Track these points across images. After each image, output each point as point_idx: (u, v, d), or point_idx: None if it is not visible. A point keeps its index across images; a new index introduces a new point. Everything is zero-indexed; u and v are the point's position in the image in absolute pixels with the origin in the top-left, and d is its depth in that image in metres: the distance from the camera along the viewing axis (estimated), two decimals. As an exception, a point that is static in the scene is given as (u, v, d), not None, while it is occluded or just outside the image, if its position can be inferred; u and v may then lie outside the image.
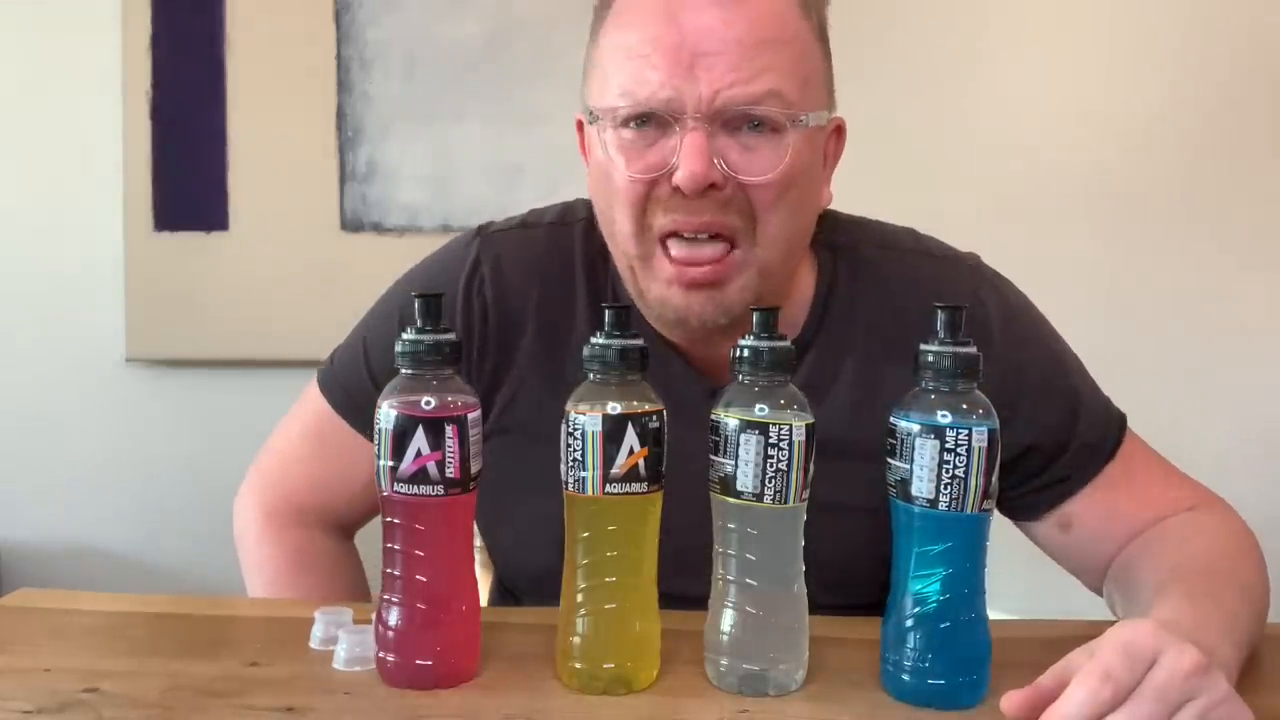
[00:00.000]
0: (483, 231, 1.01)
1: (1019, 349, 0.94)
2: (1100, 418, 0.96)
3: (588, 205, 0.99)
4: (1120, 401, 0.98)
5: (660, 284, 0.89)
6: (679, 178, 0.84)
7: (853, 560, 0.87)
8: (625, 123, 0.86)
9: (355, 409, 0.97)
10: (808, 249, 0.96)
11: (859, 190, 1.03)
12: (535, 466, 0.84)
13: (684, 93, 0.83)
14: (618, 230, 0.90)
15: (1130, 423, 0.98)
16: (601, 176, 0.90)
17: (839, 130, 0.94)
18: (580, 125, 0.95)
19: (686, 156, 0.83)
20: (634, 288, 0.92)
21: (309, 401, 1.02)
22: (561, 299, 0.97)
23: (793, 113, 0.85)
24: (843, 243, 0.98)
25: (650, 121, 0.85)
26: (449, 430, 0.73)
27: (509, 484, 0.92)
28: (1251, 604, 0.83)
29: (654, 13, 0.85)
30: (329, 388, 1.01)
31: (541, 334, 0.96)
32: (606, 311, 0.75)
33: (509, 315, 0.97)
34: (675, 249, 0.87)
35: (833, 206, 0.98)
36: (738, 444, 0.72)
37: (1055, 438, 0.93)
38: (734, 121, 0.84)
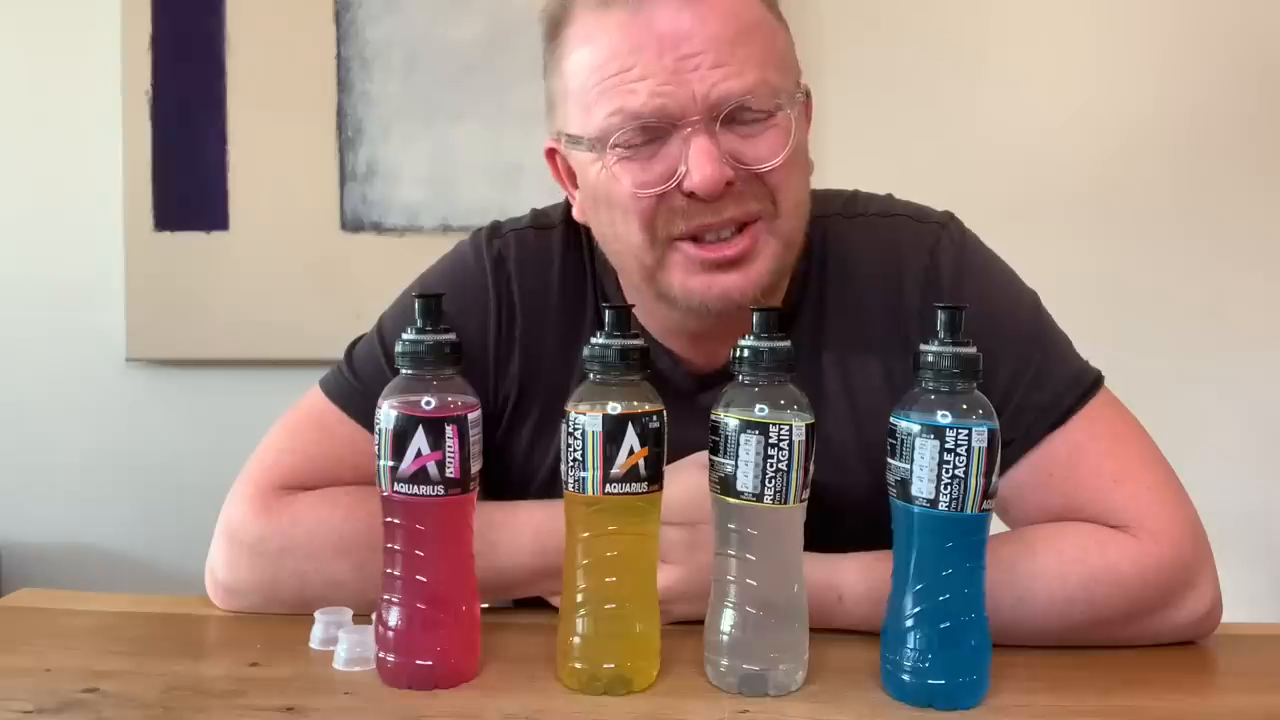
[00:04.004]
0: (498, 230, 1.02)
1: (965, 298, 0.89)
2: (1058, 378, 0.90)
3: None
4: (1120, 398, 0.96)
5: (682, 274, 0.88)
6: (693, 184, 0.83)
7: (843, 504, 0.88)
8: (622, 141, 0.85)
9: (365, 407, 0.95)
10: None
11: (861, 188, 1.04)
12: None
13: (676, 96, 0.83)
14: (626, 245, 0.90)
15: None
16: (599, 199, 0.90)
17: (807, 96, 0.94)
18: (552, 154, 0.95)
19: (697, 162, 0.83)
20: (648, 290, 0.92)
21: (305, 405, 0.99)
22: (577, 296, 0.99)
23: (783, 94, 0.86)
24: (816, 214, 0.98)
25: (646, 132, 0.85)
26: (449, 430, 0.73)
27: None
28: (1016, 616, 0.82)
29: (621, 24, 0.84)
30: (334, 385, 0.98)
31: (563, 329, 0.98)
32: (606, 312, 0.75)
33: (536, 311, 0.98)
34: (696, 248, 0.87)
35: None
36: (738, 444, 0.72)
37: (999, 392, 0.86)
38: (730, 115, 0.84)
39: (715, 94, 0.83)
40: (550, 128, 0.94)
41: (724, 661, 0.76)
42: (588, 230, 1.00)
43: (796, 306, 0.96)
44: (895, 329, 0.94)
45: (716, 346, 0.95)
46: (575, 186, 0.95)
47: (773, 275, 0.89)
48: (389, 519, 0.76)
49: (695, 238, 0.87)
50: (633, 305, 0.77)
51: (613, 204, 0.88)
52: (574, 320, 0.98)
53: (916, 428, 0.71)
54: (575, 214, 0.97)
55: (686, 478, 0.82)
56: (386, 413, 0.74)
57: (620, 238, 0.90)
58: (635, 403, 0.73)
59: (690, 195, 0.85)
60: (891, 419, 0.73)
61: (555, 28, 0.90)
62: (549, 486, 0.96)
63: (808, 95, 0.94)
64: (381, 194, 2.14)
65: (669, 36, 0.83)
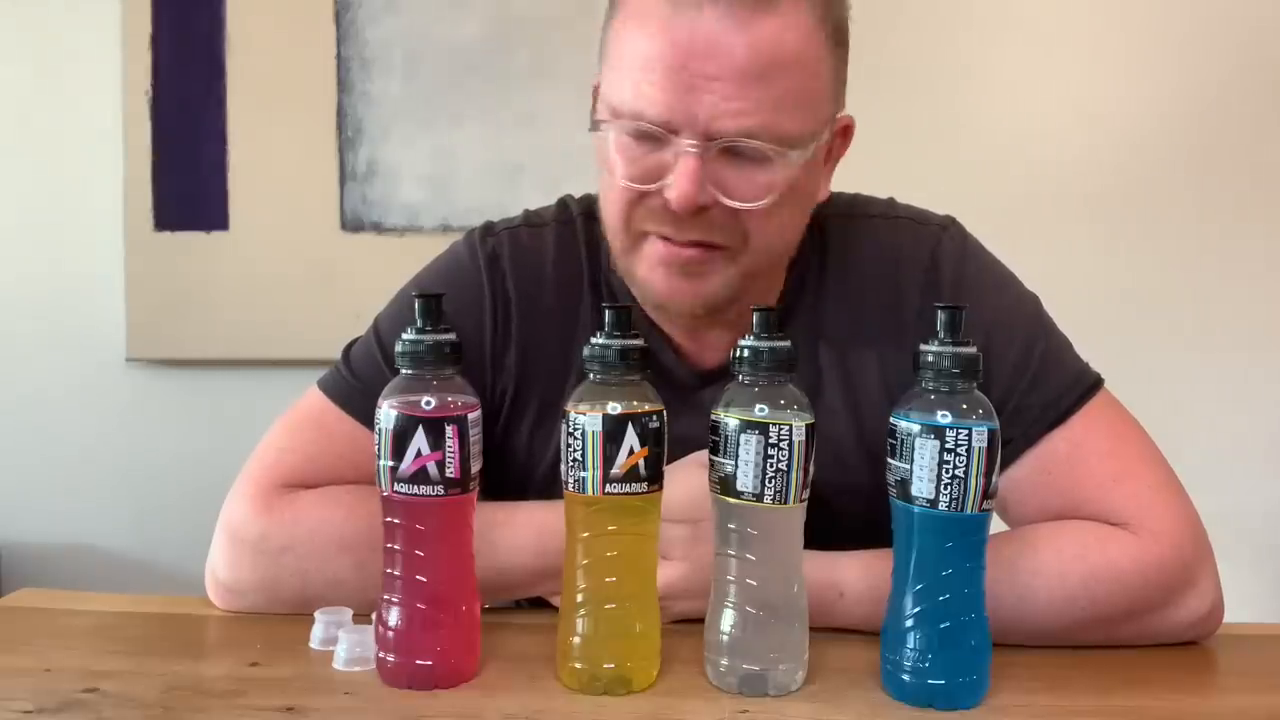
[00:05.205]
0: (491, 229, 1.02)
1: (966, 300, 0.87)
2: (1057, 379, 0.91)
3: (580, 202, 1.04)
4: (1121, 399, 0.96)
5: (646, 265, 0.90)
6: (670, 196, 0.84)
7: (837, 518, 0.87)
8: (628, 130, 0.86)
9: (364, 405, 0.95)
10: None
11: (862, 190, 1.04)
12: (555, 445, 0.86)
13: (681, 114, 0.83)
14: (608, 220, 0.92)
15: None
16: (603, 160, 0.91)
17: (846, 130, 0.94)
18: (597, 89, 0.94)
19: (679, 178, 0.83)
20: (623, 268, 0.95)
21: (304, 404, 0.99)
22: (572, 292, 0.99)
23: (783, 148, 0.84)
24: (817, 213, 0.97)
25: (649, 132, 0.85)
26: (449, 430, 0.73)
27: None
28: (1015, 616, 0.82)
29: (663, 20, 0.83)
30: (333, 384, 0.98)
31: (558, 325, 0.98)
32: (606, 312, 0.75)
33: (532, 306, 0.99)
34: (660, 245, 0.89)
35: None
36: (738, 444, 0.72)
37: (998, 392, 0.87)
38: (728, 147, 0.84)
39: (716, 125, 0.83)
40: (598, 64, 0.94)
41: (724, 661, 0.76)
42: (586, 227, 1.01)
43: (793, 304, 0.97)
44: (894, 328, 0.94)
45: (712, 340, 0.97)
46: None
47: (726, 292, 0.90)
48: (389, 519, 0.76)
49: (655, 236, 0.89)
50: (628, 306, 0.77)
51: (609, 174, 0.89)
52: (569, 316, 0.99)
53: (916, 428, 0.71)
54: (597, 158, 0.95)
55: (687, 477, 0.82)
56: (386, 413, 0.74)
57: (607, 213, 0.92)
58: (635, 403, 0.73)
59: (667, 204, 0.85)
60: (891, 419, 0.73)
61: None
62: (549, 482, 0.96)
63: (846, 129, 0.93)
64: (381, 194, 2.14)
65: (699, 53, 0.82)
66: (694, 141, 0.83)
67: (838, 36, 0.88)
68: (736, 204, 0.85)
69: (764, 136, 0.83)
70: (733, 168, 0.85)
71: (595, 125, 0.90)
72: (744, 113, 0.82)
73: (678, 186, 0.83)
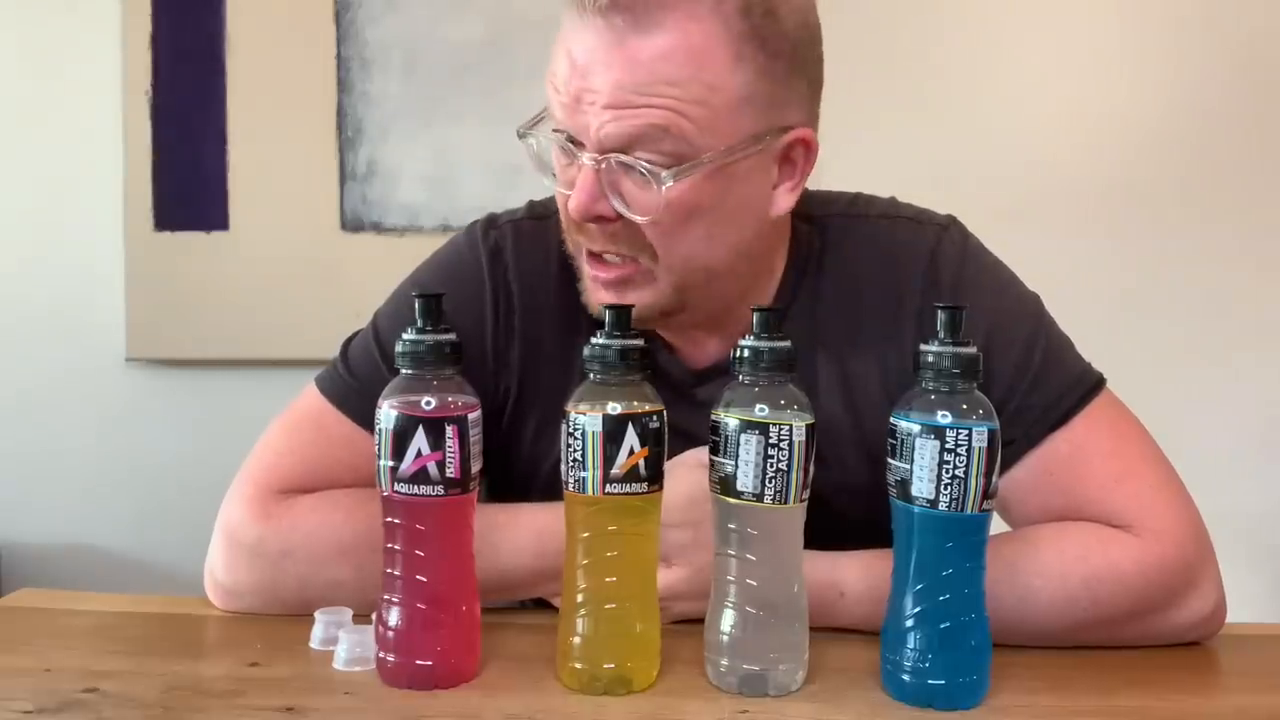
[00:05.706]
0: (494, 222, 1.02)
1: (967, 300, 0.84)
2: (1058, 379, 0.90)
3: None
4: (1122, 398, 0.96)
5: (586, 279, 0.93)
6: (570, 206, 0.87)
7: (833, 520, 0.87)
8: (554, 138, 0.89)
9: (363, 405, 0.95)
10: (785, 225, 0.96)
11: (863, 190, 1.04)
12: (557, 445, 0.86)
13: (576, 124, 0.85)
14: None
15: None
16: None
17: (806, 144, 0.90)
18: None
19: (575, 188, 0.86)
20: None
21: (302, 404, 0.99)
22: (575, 286, 0.98)
23: (665, 164, 0.83)
24: (817, 214, 0.98)
25: (563, 145, 0.88)
26: (449, 430, 0.73)
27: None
28: (1014, 613, 0.82)
29: (567, 39, 0.86)
30: (330, 384, 0.98)
31: (563, 319, 0.98)
32: (606, 311, 0.75)
33: (535, 300, 0.99)
34: (587, 262, 0.91)
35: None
36: (738, 444, 0.72)
37: (999, 392, 0.86)
38: (629, 160, 0.84)
39: (600, 134, 0.84)
40: None
41: (724, 661, 0.76)
42: None
43: (790, 304, 0.96)
44: (894, 328, 0.94)
45: (700, 340, 0.97)
46: None
47: (661, 303, 0.90)
48: (389, 519, 0.76)
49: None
50: (629, 306, 0.77)
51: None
52: (574, 310, 0.98)
53: (916, 428, 0.71)
54: None
55: (687, 476, 0.82)
56: (386, 413, 0.74)
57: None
58: (635, 403, 0.73)
59: None
60: (891, 419, 0.73)
61: None
62: (553, 481, 0.96)
63: (805, 143, 0.89)
64: (381, 194, 2.14)
65: (583, 68, 0.84)
66: (591, 154, 0.85)
67: (770, 47, 0.84)
68: (632, 216, 0.86)
69: (642, 152, 0.83)
70: (630, 181, 0.85)
71: (522, 133, 0.92)
72: (620, 130, 0.83)
73: (574, 196, 0.86)
